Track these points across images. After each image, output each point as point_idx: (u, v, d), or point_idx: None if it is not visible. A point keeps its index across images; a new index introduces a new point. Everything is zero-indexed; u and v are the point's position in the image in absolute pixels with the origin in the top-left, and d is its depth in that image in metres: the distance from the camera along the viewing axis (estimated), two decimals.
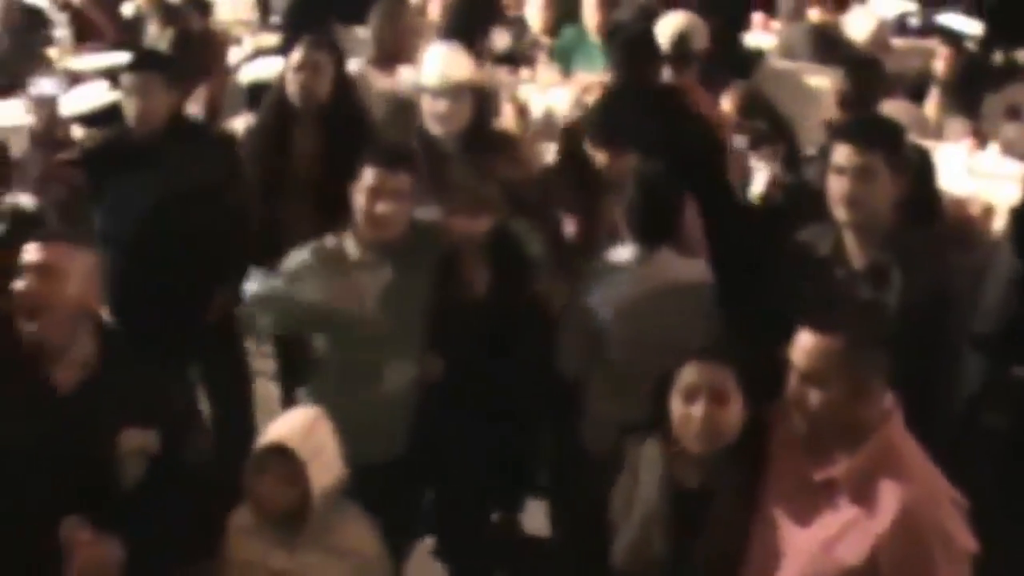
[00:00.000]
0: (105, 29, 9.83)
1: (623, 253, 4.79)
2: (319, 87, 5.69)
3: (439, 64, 5.57)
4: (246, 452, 4.06)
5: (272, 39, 9.92)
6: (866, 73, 6.48)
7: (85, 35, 9.78)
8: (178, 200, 5.34)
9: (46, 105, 5.81)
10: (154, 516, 3.72)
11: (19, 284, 3.69)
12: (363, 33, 7.53)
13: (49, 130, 6.21)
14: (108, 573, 3.65)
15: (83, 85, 8.52)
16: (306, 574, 4.02)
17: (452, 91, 5.47)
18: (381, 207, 4.55)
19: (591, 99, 6.78)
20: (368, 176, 4.56)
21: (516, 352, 4.76)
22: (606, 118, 5.38)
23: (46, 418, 3.68)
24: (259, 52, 9.45)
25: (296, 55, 5.73)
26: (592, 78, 7.58)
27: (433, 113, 5.50)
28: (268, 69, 8.36)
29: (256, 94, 8.33)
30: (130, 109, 5.36)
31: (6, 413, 3.68)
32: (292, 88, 5.70)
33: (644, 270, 4.72)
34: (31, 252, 3.72)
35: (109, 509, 3.66)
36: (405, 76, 6.44)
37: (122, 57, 8.21)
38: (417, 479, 4.77)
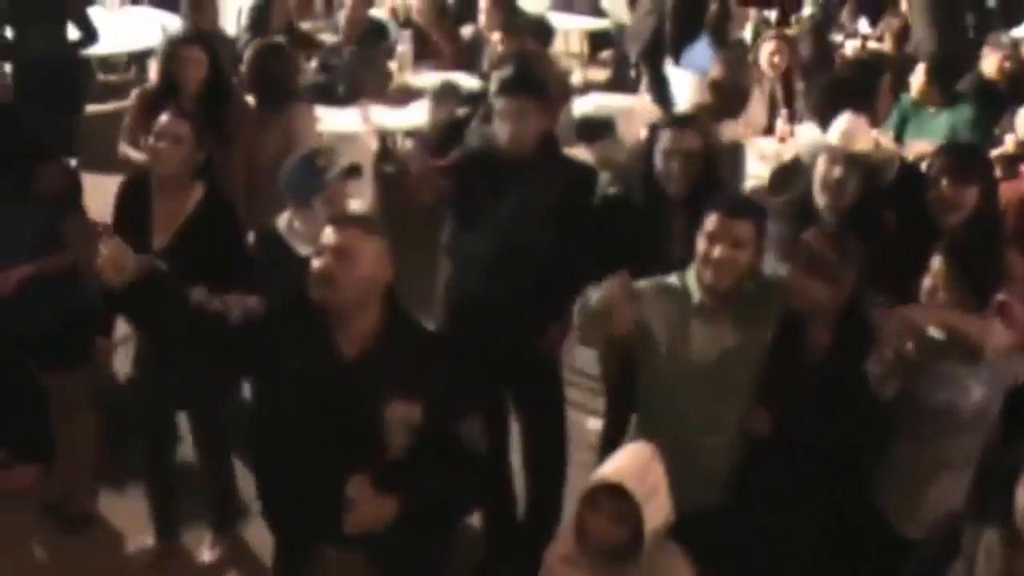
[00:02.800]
0: (444, 48, 10.05)
1: None
2: None
3: (844, 130, 5.49)
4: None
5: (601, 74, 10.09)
6: None
7: (424, 52, 10.02)
8: (538, 223, 5.35)
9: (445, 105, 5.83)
10: (417, 483, 4.08)
11: (316, 262, 4.10)
12: None
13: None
14: (380, 527, 3.99)
15: (417, 102, 8.80)
16: None
17: (849, 160, 5.38)
18: (718, 252, 4.51)
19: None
20: (710, 221, 4.53)
21: (845, 416, 4.62)
22: None
23: (331, 382, 4.08)
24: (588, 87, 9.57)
25: None
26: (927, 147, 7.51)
27: (827, 178, 5.42)
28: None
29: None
30: (503, 132, 5.39)
31: (298, 376, 4.11)
32: None
33: None
34: (328, 235, 4.13)
35: (383, 471, 4.02)
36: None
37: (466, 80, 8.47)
38: (736, 532, 4.67)
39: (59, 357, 5.91)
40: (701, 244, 4.54)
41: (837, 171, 5.36)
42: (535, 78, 5.67)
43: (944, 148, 5.68)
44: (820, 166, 5.42)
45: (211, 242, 5.43)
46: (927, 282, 4.61)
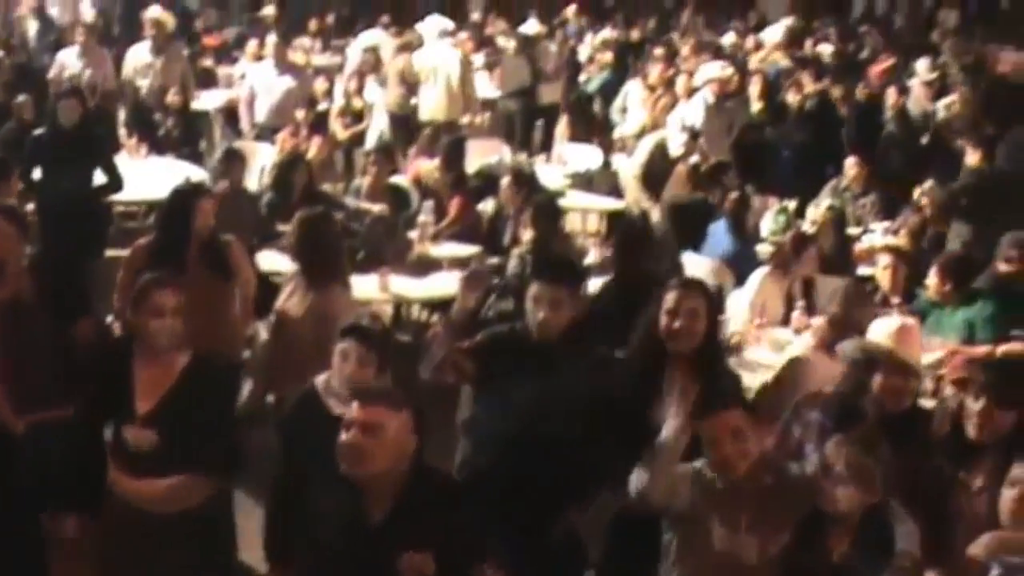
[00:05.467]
0: (464, 215, 10.12)
1: None
2: None
3: (896, 335, 5.40)
4: None
5: None
6: None
7: (440, 219, 10.07)
8: (563, 410, 5.31)
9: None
10: None
11: (344, 436, 4.27)
12: None
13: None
14: None
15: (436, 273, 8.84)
16: None
17: (906, 369, 5.29)
18: (730, 449, 4.63)
19: None
20: (708, 427, 4.70)
21: None
22: None
23: (358, 544, 4.30)
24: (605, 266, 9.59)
25: None
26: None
27: (883, 384, 5.28)
28: None
29: None
30: (536, 317, 5.38)
31: (333, 541, 4.36)
32: None
33: None
34: (355, 410, 4.31)
35: None
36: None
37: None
38: None
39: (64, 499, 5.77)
40: (706, 450, 4.69)
41: (898, 381, 5.24)
42: (572, 266, 5.72)
43: (987, 365, 5.50)
44: (879, 376, 5.28)
45: (197, 410, 5.34)
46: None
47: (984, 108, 14.09)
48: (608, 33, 19.83)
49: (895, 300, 8.53)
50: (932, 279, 8.33)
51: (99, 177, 9.97)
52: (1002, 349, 7.69)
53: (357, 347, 5.32)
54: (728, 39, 18.99)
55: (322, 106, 13.68)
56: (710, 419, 4.71)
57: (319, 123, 12.91)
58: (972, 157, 10.81)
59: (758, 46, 19.41)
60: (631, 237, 7.97)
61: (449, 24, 14.88)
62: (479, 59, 18.14)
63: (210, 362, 5.64)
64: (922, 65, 16.11)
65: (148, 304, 5.40)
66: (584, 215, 12.34)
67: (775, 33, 20.32)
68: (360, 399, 4.36)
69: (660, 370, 5.41)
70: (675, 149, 11.90)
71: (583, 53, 18.41)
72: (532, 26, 16.46)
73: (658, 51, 15.81)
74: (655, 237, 8.43)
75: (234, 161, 10.01)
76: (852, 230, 10.91)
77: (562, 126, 15.66)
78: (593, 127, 15.52)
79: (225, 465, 5.35)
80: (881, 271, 8.71)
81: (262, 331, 7.77)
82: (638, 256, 7.72)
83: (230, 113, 14.36)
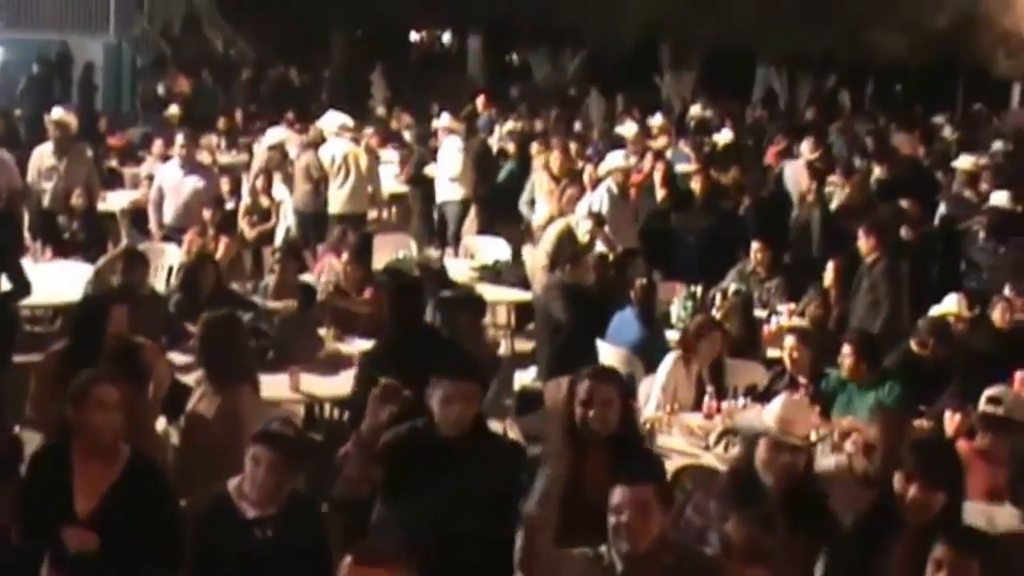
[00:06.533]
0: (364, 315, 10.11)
1: None
2: None
3: (782, 416, 5.50)
4: None
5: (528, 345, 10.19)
6: None
7: (353, 321, 10.03)
8: (474, 507, 5.33)
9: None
10: None
11: None
12: None
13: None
14: None
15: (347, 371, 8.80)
16: None
17: (790, 446, 5.41)
18: (625, 519, 4.72)
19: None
20: (614, 494, 4.77)
21: None
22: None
23: None
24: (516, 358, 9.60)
25: None
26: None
27: (767, 461, 5.42)
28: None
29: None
30: (448, 415, 5.39)
31: None
32: None
33: None
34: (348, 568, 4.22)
35: None
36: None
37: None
38: None
39: None
40: (611, 518, 4.74)
41: (784, 457, 5.38)
42: (479, 363, 5.77)
43: (915, 446, 5.55)
44: (762, 451, 5.43)
45: (140, 507, 5.32)
46: None
47: (881, 191, 14.42)
48: (512, 124, 20.01)
49: (802, 380, 8.67)
50: (846, 358, 8.48)
51: (4, 283, 9.86)
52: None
53: (268, 453, 5.31)
54: (630, 128, 19.26)
55: (229, 205, 13.66)
56: (620, 488, 4.75)
57: (226, 222, 12.87)
58: (863, 242, 11.03)
59: (660, 133, 19.67)
60: (403, 292, 8.15)
61: (349, 120, 14.99)
62: (386, 154, 18.26)
63: (150, 458, 5.64)
64: (805, 146, 16.49)
65: (91, 399, 5.39)
66: (494, 307, 12.38)
67: (667, 120, 20.80)
68: (360, 561, 4.26)
69: (580, 458, 5.51)
70: (582, 236, 12.01)
71: (494, 144, 18.56)
72: (445, 120, 16.58)
73: (560, 141, 15.98)
74: (425, 292, 8.66)
75: (136, 263, 9.95)
76: (759, 313, 11.05)
77: (470, 219, 15.74)
78: (501, 219, 15.62)
79: (172, 562, 5.30)
80: (789, 352, 8.85)
81: (173, 434, 7.71)
82: (412, 311, 7.90)
83: (136, 214, 14.28)
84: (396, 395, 5.40)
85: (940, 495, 5.11)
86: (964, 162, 15.84)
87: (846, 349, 8.52)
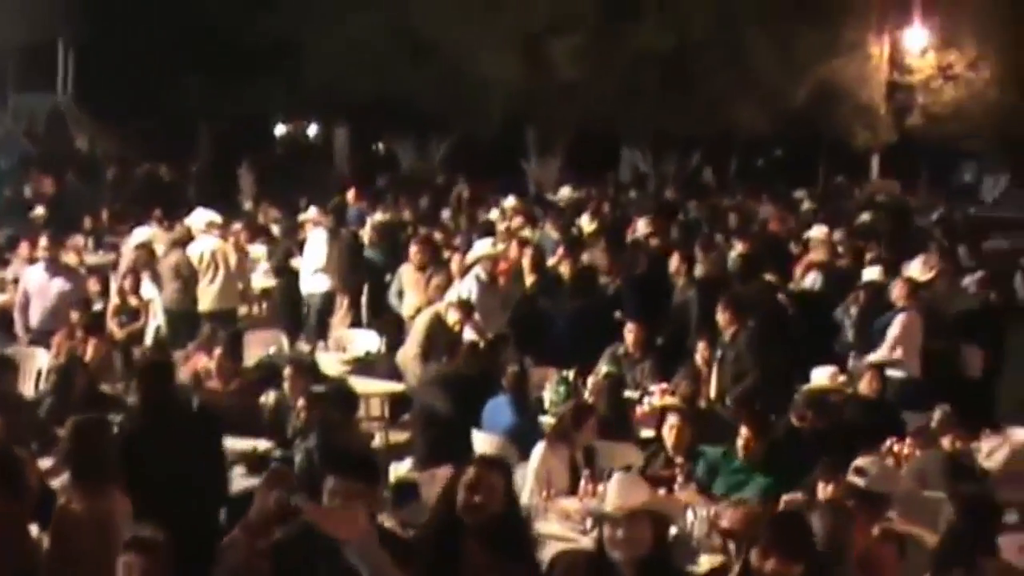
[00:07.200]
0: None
1: None
2: None
3: (616, 491, 5.60)
4: None
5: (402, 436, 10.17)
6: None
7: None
8: None
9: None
10: None
11: None
12: None
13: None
14: None
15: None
16: None
17: (629, 519, 5.48)
18: None
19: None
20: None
21: None
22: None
23: None
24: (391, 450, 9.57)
25: None
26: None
27: (613, 539, 5.49)
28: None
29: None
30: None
31: None
32: None
33: None
34: None
35: None
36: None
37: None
38: None
39: None
40: None
41: (620, 533, 5.42)
42: (368, 460, 5.79)
43: (771, 521, 5.71)
44: (606, 532, 5.48)
45: None
46: None
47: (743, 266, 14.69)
48: (380, 215, 20.03)
49: (679, 460, 8.79)
50: (743, 437, 8.63)
51: None
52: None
53: (139, 559, 5.27)
54: (495, 215, 19.42)
55: (97, 306, 13.51)
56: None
57: (95, 324, 12.73)
58: (721, 316, 11.30)
59: (515, 214, 19.71)
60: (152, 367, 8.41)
61: (217, 216, 14.97)
62: (254, 249, 18.18)
63: None
64: (641, 224, 16.88)
65: None
66: (367, 400, 12.37)
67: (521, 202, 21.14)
68: None
69: (457, 544, 5.54)
70: (451, 321, 12.09)
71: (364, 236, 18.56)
72: (311, 212, 16.59)
73: (423, 231, 16.07)
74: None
75: (5, 369, 9.80)
76: (631, 394, 11.17)
77: (341, 312, 15.70)
78: (371, 310, 15.64)
79: None
80: (668, 430, 8.96)
81: (44, 541, 7.58)
82: (162, 384, 8.15)
83: (2, 318, 14.07)
84: (283, 479, 5.38)
85: (797, 568, 5.24)
86: (817, 232, 16.32)
87: (744, 429, 8.67)
